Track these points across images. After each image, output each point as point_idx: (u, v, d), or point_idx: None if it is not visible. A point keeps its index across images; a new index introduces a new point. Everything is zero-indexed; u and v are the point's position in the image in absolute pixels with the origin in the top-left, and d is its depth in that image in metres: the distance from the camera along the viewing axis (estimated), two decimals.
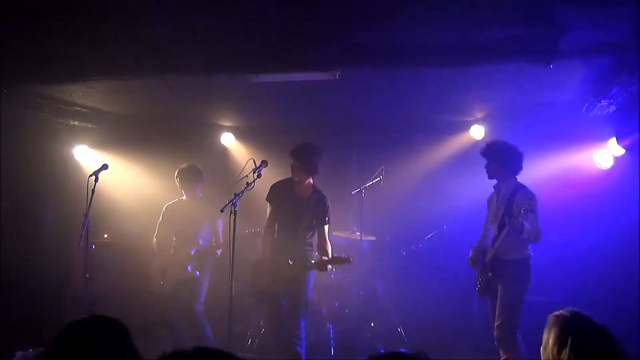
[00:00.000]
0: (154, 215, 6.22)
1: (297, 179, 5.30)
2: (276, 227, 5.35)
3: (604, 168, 6.57)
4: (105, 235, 7.34)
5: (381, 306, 6.75)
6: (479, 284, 5.24)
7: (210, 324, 5.85)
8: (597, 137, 6.52)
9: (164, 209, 6.18)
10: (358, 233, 6.54)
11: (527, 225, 4.78)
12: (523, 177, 5.27)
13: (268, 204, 5.42)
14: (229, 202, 4.67)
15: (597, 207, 6.53)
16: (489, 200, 5.44)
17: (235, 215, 4.64)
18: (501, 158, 5.18)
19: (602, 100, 5.71)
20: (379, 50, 4.83)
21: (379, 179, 6.37)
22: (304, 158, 5.23)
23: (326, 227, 5.33)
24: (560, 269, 6.36)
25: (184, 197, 6.15)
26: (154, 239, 6.12)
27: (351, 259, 5.07)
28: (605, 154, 6.53)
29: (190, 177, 6.07)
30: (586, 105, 5.93)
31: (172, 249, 6.00)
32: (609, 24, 4.32)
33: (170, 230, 6.08)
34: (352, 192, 6.39)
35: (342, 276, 6.70)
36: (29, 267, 6.56)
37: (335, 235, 6.56)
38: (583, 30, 4.41)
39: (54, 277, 6.94)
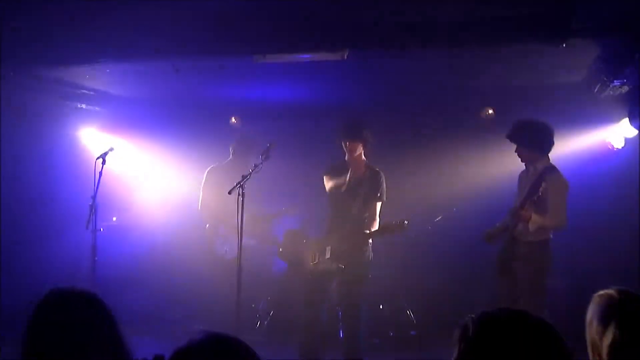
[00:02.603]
0: (161, 197, 6.22)
1: (350, 158, 5.16)
2: (330, 208, 5.28)
3: (616, 148, 6.48)
4: (114, 218, 7.35)
5: (390, 289, 6.71)
6: (497, 265, 5.08)
7: (217, 307, 5.80)
8: (609, 117, 6.41)
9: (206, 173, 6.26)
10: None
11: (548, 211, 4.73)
12: None
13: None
14: (236, 184, 4.66)
15: (607, 188, 6.45)
16: (520, 177, 5.22)
17: (243, 197, 4.65)
18: (532, 139, 4.93)
19: (614, 81, 5.61)
20: (387, 29, 4.75)
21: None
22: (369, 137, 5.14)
23: (378, 203, 5.16)
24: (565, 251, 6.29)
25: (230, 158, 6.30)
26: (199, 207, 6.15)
27: (406, 223, 4.82)
28: (617, 135, 6.44)
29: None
30: (598, 85, 5.83)
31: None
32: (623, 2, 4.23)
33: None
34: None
35: None
36: (37, 251, 6.56)
37: None
38: (596, 8, 4.32)
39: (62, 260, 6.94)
